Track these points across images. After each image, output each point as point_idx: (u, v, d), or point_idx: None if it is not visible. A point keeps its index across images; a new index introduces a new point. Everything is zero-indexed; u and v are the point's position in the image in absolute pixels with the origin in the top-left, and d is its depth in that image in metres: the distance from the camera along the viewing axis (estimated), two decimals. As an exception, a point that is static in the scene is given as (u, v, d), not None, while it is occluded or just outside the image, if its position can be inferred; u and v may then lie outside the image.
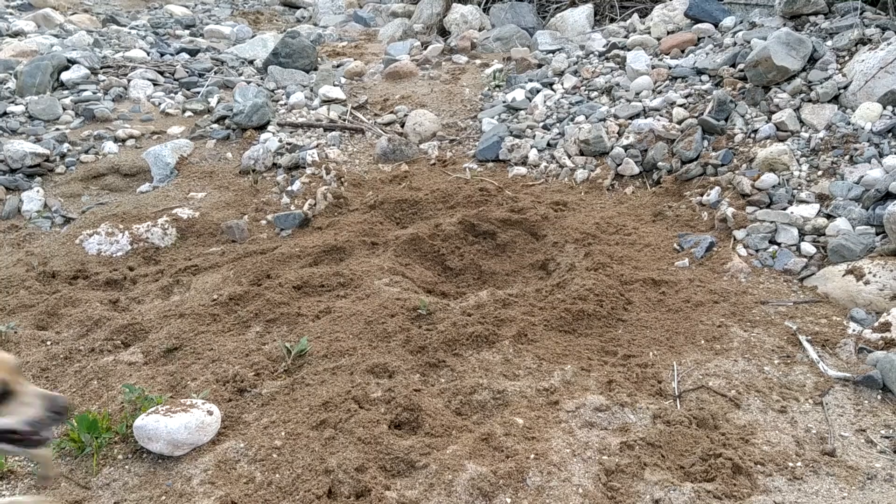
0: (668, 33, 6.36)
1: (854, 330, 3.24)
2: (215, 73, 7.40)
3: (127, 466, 2.65)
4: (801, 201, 4.01)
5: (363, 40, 9.24)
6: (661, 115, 5.12)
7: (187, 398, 2.85)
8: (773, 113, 4.60)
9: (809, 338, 3.20)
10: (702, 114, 4.84)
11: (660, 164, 4.78)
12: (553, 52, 6.93)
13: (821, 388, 2.91)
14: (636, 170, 4.89)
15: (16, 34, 8.51)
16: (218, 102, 6.49)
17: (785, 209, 4.00)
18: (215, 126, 6.02)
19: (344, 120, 6.12)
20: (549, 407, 2.82)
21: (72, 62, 6.89)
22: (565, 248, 4.16)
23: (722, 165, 4.49)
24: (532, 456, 2.57)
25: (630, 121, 5.18)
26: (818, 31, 5.02)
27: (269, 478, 2.52)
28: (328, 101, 6.35)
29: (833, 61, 4.68)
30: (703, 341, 3.25)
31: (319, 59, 7.73)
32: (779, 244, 3.88)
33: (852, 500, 2.38)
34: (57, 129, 5.89)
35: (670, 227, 4.30)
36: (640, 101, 5.34)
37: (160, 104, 6.52)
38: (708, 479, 2.46)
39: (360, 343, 3.27)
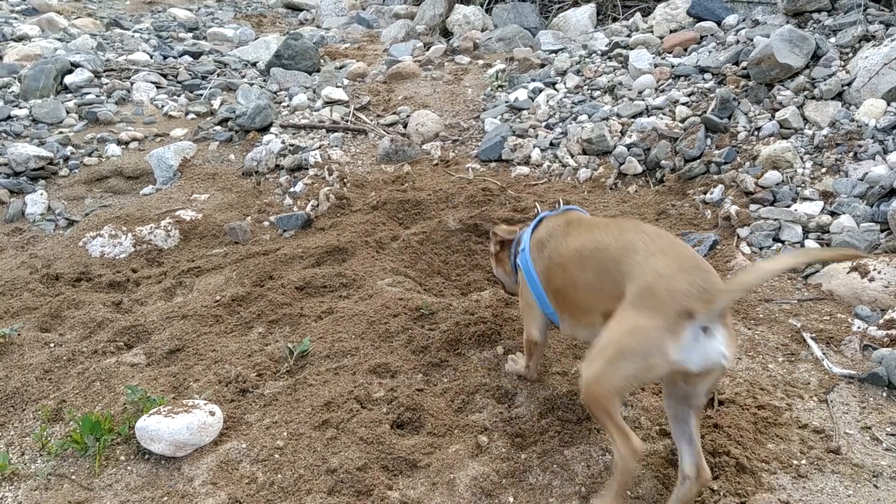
0: (671, 32, 6.35)
1: (859, 327, 3.22)
2: (218, 75, 7.42)
3: (129, 467, 2.65)
4: (805, 199, 4.00)
5: (366, 42, 9.25)
6: (663, 114, 5.10)
7: (189, 399, 2.85)
8: (777, 110, 4.59)
9: (814, 335, 3.19)
10: (705, 112, 4.83)
11: (663, 162, 4.77)
12: (555, 51, 6.92)
13: (825, 385, 2.89)
14: (639, 168, 4.88)
15: (20, 38, 8.54)
16: (221, 104, 6.50)
17: (789, 207, 3.99)
18: (218, 128, 6.03)
19: (346, 121, 6.12)
20: (551, 405, 2.81)
21: (75, 66, 6.92)
22: (568, 248, 4.14)
23: (725, 163, 4.47)
24: (534, 455, 2.56)
25: (633, 119, 5.17)
26: (821, 28, 5.01)
27: (271, 478, 2.52)
28: (331, 103, 6.36)
29: (836, 58, 4.66)
30: (706, 339, 3.23)
31: (322, 60, 7.74)
32: (783, 242, 3.86)
33: (858, 497, 2.36)
34: (60, 132, 5.91)
35: (674, 226, 4.29)
36: (643, 100, 5.33)
37: (163, 107, 6.54)
38: (713, 477, 2.44)
39: (363, 343, 3.27)
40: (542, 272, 2.63)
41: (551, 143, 5.33)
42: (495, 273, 3.15)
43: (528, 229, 2.79)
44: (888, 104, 4.22)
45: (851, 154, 4.10)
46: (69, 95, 6.58)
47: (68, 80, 6.72)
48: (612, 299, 2.20)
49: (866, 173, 3.93)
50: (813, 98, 4.53)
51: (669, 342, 1.99)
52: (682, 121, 4.92)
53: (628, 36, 6.62)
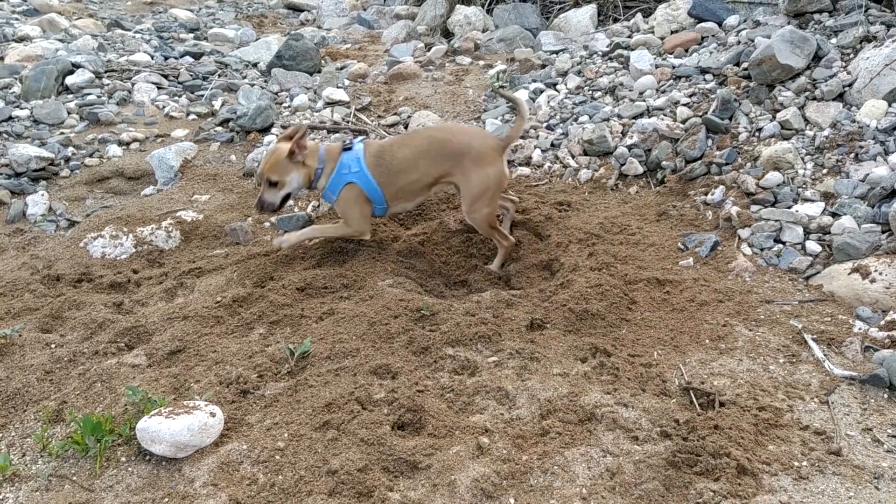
0: (672, 32, 6.34)
1: (860, 328, 3.22)
2: (219, 76, 7.42)
3: (130, 468, 2.65)
4: (806, 200, 3.99)
5: (367, 42, 9.24)
6: (664, 115, 5.10)
7: (190, 400, 2.85)
8: (778, 111, 4.58)
9: (815, 336, 3.19)
10: (706, 113, 4.82)
11: (664, 163, 4.77)
12: (556, 52, 6.92)
13: (826, 386, 2.89)
14: (640, 169, 4.88)
15: (21, 39, 8.54)
16: (222, 105, 6.50)
17: (790, 208, 3.99)
18: (219, 129, 6.04)
19: (347, 122, 6.12)
20: (552, 407, 2.81)
21: (76, 66, 6.92)
22: (569, 248, 4.15)
23: (726, 164, 4.47)
24: (535, 456, 2.56)
25: (634, 120, 5.17)
26: (822, 28, 5.00)
27: (272, 479, 2.52)
28: (332, 103, 6.36)
29: (838, 59, 4.65)
30: (707, 340, 3.23)
31: (323, 61, 7.74)
32: (784, 243, 3.86)
33: (859, 499, 2.36)
34: (62, 133, 5.91)
35: (674, 227, 4.29)
36: (644, 101, 5.33)
37: (164, 107, 6.54)
38: (713, 479, 2.44)
39: (364, 344, 3.27)
40: (379, 177, 3.98)
41: (552, 144, 5.33)
42: (279, 178, 3.98)
43: (355, 156, 4.01)
44: (889, 105, 4.22)
45: (852, 155, 4.10)
46: (70, 96, 6.58)
47: (69, 80, 6.72)
48: (440, 171, 4.01)
49: (867, 174, 3.92)
50: (814, 99, 4.52)
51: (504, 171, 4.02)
52: (683, 122, 4.92)
53: (629, 37, 6.62)
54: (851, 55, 4.66)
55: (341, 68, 7.47)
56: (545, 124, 5.57)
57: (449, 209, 4.72)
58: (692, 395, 2.89)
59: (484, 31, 8.30)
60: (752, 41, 5.19)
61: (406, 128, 5.99)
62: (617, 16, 7.85)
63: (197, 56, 8.25)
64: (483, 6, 8.88)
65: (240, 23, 11.24)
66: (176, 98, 6.79)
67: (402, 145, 4.09)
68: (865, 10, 4.90)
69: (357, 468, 2.49)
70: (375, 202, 4.06)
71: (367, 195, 4.02)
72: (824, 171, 4.12)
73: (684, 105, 5.06)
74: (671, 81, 5.48)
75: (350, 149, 4.05)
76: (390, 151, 4.03)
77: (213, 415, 2.74)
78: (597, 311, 3.45)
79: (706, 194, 4.38)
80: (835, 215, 3.85)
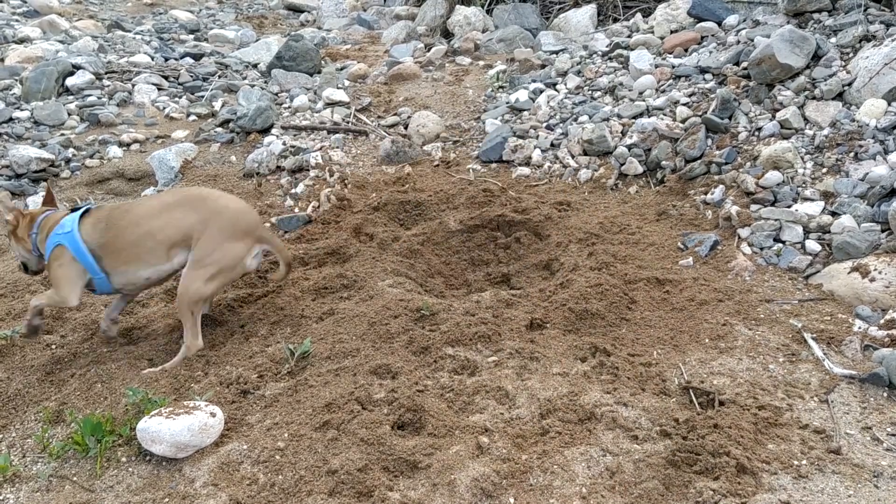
0: (672, 32, 6.35)
1: (860, 327, 3.22)
2: (219, 77, 7.43)
3: (130, 469, 2.66)
4: (806, 199, 4.00)
5: (367, 43, 9.26)
6: (664, 115, 5.10)
7: (190, 400, 2.85)
8: (777, 111, 4.58)
9: (814, 335, 3.19)
10: (705, 112, 4.83)
11: (663, 163, 4.77)
12: (556, 52, 6.92)
13: (826, 385, 2.89)
14: (640, 169, 4.88)
15: (21, 41, 8.56)
16: (222, 106, 6.51)
17: (790, 207, 3.99)
18: (219, 130, 6.04)
19: (347, 122, 6.13)
20: (552, 406, 2.81)
21: (77, 68, 6.93)
22: (569, 248, 4.15)
23: (726, 164, 4.47)
24: (535, 456, 2.56)
25: (633, 120, 5.17)
26: (822, 28, 5.00)
27: (272, 479, 2.52)
28: (332, 104, 6.36)
29: (837, 58, 4.65)
30: (707, 340, 3.24)
31: (323, 62, 7.75)
32: (783, 242, 3.86)
33: (858, 498, 2.36)
34: (62, 134, 5.92)
35: (674, 226, 4.29)
36: (644, 101, 5.33)
37: (164, 108, 6.55)
38: (713, 477, 2.45)
39: (364, 344, 3.27)
40: (99, 244, 3.28)
41: (552, 144, 5.33)
42: (16, 253, 3.55)
43: (71, 217, 3.34)
44: (889, 104, 4.22)
45: (852, 154, 4.10)
46: (71, 97, 6.59)
47: (70, 82, 6.73)
48: (185, 230, 3.27)
49: (867, 173, 3.92)
50: (813, 98, 4.52)
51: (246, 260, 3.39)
52: (683, 121, 4.92)
53: (629, 36, 6.62)
54: (851, 54, 4.66)
55: (341, 69, 7.48)
56: (545, 124, 5.58)
57: (449, 209, 4.72)
58: (692, 394, 2.89)
59: (484, 32, 8.31)
60: (752, 41, 5.20)
61: (406, 128, 6.00)
62: (617, 16, 7.86)
63: (197, 57, 8.26)
64: (483, 6, 8.88)
65: (240, 24, 11.25)
66: (176, 99, 6.80)
67: (143, 201, 3.78)
68: (865, 10, 4.90)
69: (357, 468, 2.49)
70: (90, 272, 3.30)
71: (77, 260, 3.28)
72: (824, 170, 4.12)
73: (684, 105, 5.06)
74: (671, 81, 5.48)
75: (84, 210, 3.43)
76: (125, 208, 3.42)
77: (213, 415, 2.74)
78: (597, 311, 3.45)
79: (706, 194, 4.39)
80: (834, 214, 3.85)
